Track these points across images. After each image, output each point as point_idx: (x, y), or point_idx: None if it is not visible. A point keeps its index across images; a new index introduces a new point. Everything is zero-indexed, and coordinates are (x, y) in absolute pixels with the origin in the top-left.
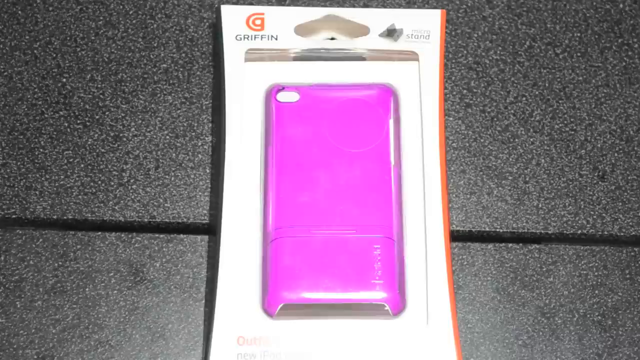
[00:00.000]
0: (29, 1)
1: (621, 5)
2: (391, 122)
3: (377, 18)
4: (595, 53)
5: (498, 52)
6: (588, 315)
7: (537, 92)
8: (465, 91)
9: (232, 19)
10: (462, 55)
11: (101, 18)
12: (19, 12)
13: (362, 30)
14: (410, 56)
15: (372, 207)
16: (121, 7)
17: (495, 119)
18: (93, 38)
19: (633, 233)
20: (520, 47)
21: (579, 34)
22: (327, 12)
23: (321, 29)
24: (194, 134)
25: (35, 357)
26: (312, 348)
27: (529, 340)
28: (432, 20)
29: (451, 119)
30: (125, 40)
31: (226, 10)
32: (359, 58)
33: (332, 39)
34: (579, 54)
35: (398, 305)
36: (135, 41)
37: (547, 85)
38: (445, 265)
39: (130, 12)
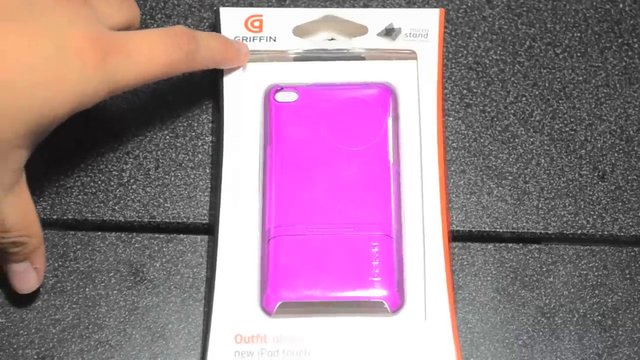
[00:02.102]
0: None
1: (621, 5)
2: (390, 120)
3: (375, 17)
4: (595, 53)
5: (498, 52)
6: (588, 315)
7: (537, 92)
8: (465, 91)
9: (231, 20)
10: (462, 55)
11: None
12: None
13: (360, 30)
14: (409, 55)
15: (370, 205)
16: None
17: (495, 119)
18: None
19: (633, 233)
20: (520, 47)
21: (579, 34)
22: (324, 13)
23: (319, 30)
24: (194, 134)
25: (35, 357)
26: (310, 346)
27: (529, 340)
28: (430, 19)
29: (451, 119)
30: None
31: (225, 12)
32: (358, 58)
33: (331, 39)
34: (579, 54)
35: (396, 303)
36: None
37: (547, 85)
38: (444, 262)
39: None
